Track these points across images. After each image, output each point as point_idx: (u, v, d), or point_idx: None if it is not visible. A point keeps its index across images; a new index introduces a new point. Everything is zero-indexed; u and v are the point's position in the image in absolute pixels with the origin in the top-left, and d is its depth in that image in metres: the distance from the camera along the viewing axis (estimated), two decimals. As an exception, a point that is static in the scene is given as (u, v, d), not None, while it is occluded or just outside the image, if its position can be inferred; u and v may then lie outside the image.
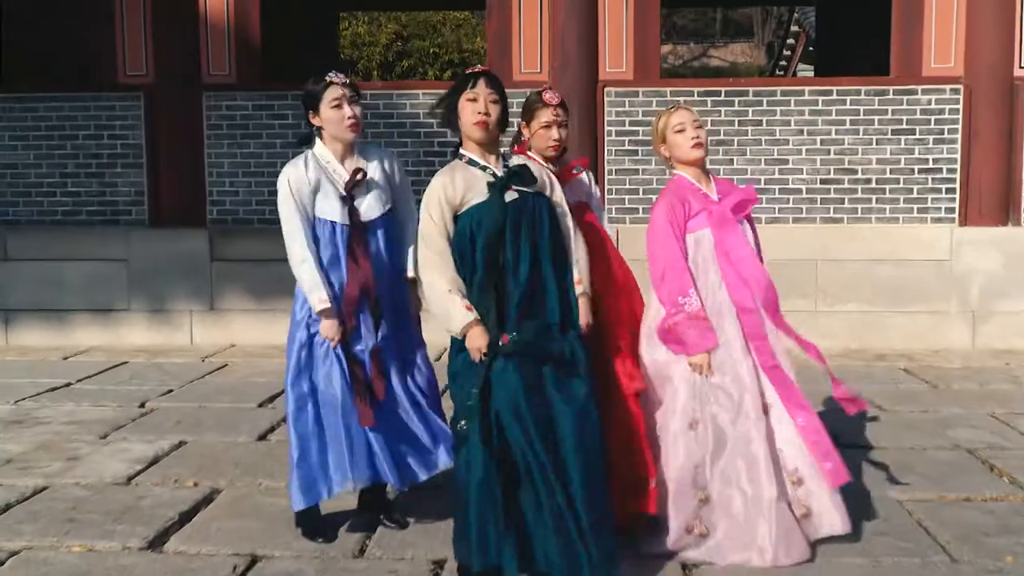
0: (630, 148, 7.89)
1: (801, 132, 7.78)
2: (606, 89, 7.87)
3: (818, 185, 7.80)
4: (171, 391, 6.12)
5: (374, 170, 3.73)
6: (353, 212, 3.63)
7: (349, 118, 3.61)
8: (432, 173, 8.25)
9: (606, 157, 7.87)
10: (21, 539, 3.56)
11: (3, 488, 4.16)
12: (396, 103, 7.95)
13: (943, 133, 7.73)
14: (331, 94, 3.60)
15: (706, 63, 35.90)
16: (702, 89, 7.96)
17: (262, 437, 5.01)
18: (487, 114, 3.27)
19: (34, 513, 3.84)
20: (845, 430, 5.04)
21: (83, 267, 8.04)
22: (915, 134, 7.74)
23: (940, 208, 7.76)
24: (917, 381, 6.38)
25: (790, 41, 25.56)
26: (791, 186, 7.80)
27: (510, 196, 3.28)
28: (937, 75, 7.75)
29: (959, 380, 6.39)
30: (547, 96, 3.71)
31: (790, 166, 7.80)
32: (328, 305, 3.55)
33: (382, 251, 3.69)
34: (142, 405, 5.75)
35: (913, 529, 3.66)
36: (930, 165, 7.76)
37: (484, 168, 3.33)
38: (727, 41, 38.08)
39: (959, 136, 7.72)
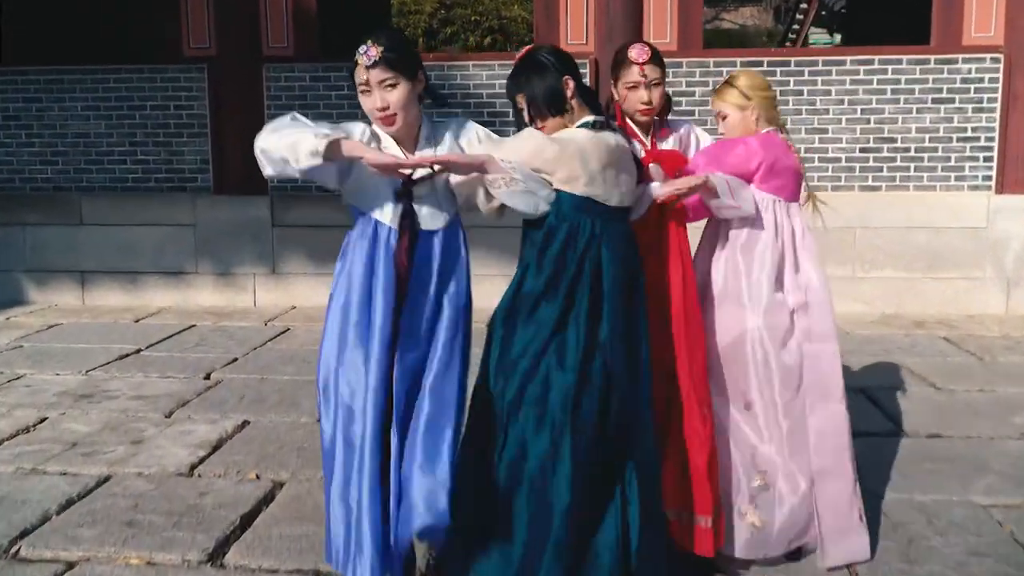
0: (672, 118, 7.13)
1: (842, 102, 7.01)
2: (651, 60, 7.11)
3: (857, 154, 7.05)
4: (236, 360, 5.59)
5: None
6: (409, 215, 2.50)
7: (379, 109, 2.45)
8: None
9: (650, 126, 7.15)
10: (79, 548, 3.04)
11: (67, 479, 3.65)
12: (447, 74, 7.26)
13: (982, 102, 6.94)
14: (356, 77, 2.45)
15: (718, 25, 34.74)
16: (744, 59, 7.19)
17: (323, 416, 4.46)
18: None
19: (95, 513, 3.31)
20: (907, 414, 4.41)
21: (153, 232, 7.49)
22: (954, 103, 6.95)
23: (977, 176, 7.00)
24: (961, 352, 5.71)
25: (803, 5, 24.32)
26: (830, 155, 7.06)
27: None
28: (977, 44, 6.94)
29: (1003, 351, 5.72)
30: (633, 53, 2.87)
31: (830, 135, 7.05)
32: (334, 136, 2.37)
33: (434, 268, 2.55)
34: (207, 376, 5.21)
35: (1011, 547, 3.04)
36: (968, 133, 6.98)
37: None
38: (737, 5, 36.83)
39: (998, 105, 6.93)
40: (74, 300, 7.55)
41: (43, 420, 4.41)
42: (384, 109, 2.43)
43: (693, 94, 7.12)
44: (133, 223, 7.49)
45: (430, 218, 2.52)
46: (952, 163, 6.98)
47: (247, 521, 3.25)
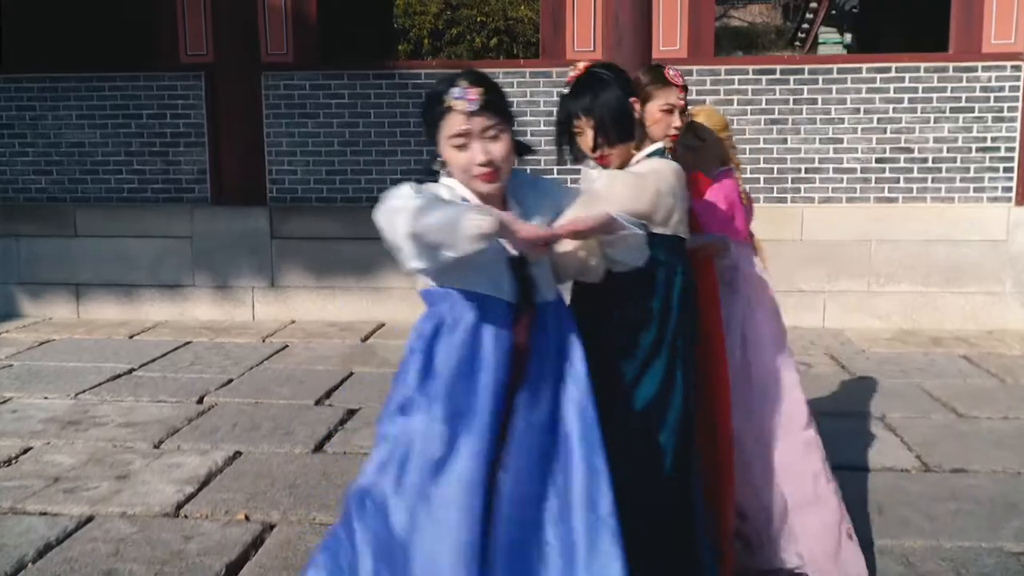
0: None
1: (857, 111, 6.80)
2: (660, 67, 6.92)
3: (873, 164, 6.84)
4: (230, 381, 5.41)
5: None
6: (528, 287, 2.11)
7: (483, 164, 2.03)
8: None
9: (659, 136, 6.96)
10: (53, 602, 2.87)
11: (46, 520, 3.47)
12: (450, 82, 7.06)
13: (1002, 111, 6.73)
14: (449, 127, 2.01)
15: (727, 23, 34.35)
16: (757, 67, 6.98)
17: (318, 447, 4.28)
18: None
19: (71, 561, 3.13)
20: (929, 445, 4.20)
21: (149, 243, 7.32)
22: (974, 112, 6.74)
23: (997, 187, 6.78)
24: (982, 373, 5.50)
25: (812, 4, 24.03)
26: (845, 165, 6.85)
27: None
28: (997, 51, 6.72)
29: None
30: (672, 73, 2.68)
31: (844, 145, 6.84)
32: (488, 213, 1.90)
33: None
34: (200, 400, 5.03)
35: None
36: (988, 144, 6.77)
37: None
38: (746, 3, 36.50)
39: (1018, 114, 6.72)
40: (69, 313, 7.38)
41: (27, 451, 4.24)
42: (488, 164, 2.01)
43: (703, 103, 6.91)
44: (129, 235, 7.32)
45: (545, 288, 2.12)
46: (971, 174, 6.77)
47: (233, 570, 3.06)
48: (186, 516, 3.52)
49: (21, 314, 7.37)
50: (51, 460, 4.11)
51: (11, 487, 3.79)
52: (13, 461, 4.11)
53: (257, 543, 3.28)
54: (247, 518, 3.49)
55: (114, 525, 3.43)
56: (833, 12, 21.53)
